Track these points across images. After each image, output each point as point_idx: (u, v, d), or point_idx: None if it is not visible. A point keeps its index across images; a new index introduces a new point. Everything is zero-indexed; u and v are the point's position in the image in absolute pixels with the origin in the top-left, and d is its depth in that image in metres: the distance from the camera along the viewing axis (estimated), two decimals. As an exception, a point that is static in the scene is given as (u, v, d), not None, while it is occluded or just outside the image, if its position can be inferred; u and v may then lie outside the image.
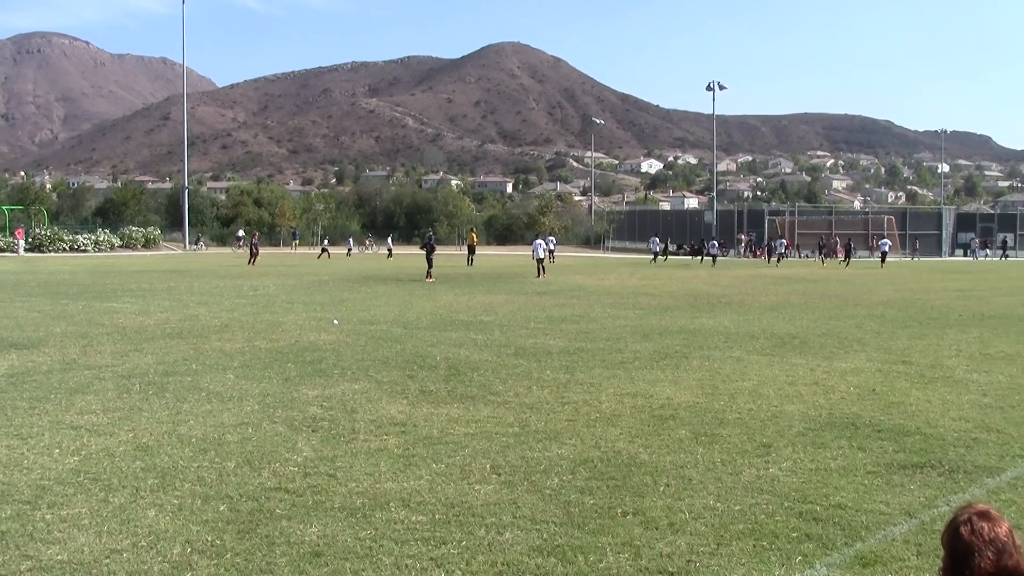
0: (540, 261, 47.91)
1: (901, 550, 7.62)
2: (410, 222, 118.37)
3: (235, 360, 17.75)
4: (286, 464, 10.09)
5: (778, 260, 70.23)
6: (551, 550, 7.51)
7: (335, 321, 24.65)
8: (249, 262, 59.97)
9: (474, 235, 68.47)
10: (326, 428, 11.86)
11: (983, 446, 11.11)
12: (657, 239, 75.54)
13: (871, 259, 76.35)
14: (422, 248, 52.39)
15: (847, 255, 69.48)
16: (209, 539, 7.75)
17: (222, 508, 8.58)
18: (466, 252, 64.73)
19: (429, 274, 44.19)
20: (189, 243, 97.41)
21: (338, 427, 11.91)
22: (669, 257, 77.57)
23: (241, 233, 77.49)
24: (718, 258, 69.08)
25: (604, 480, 9.54)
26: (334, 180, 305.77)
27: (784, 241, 74.62)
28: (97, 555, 7.38)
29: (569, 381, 15.47)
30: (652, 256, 72.27)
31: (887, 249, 69.62)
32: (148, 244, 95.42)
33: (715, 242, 71.21)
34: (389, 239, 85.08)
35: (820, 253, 76.76)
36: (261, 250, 69.19)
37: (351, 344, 20.19)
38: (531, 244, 53.22)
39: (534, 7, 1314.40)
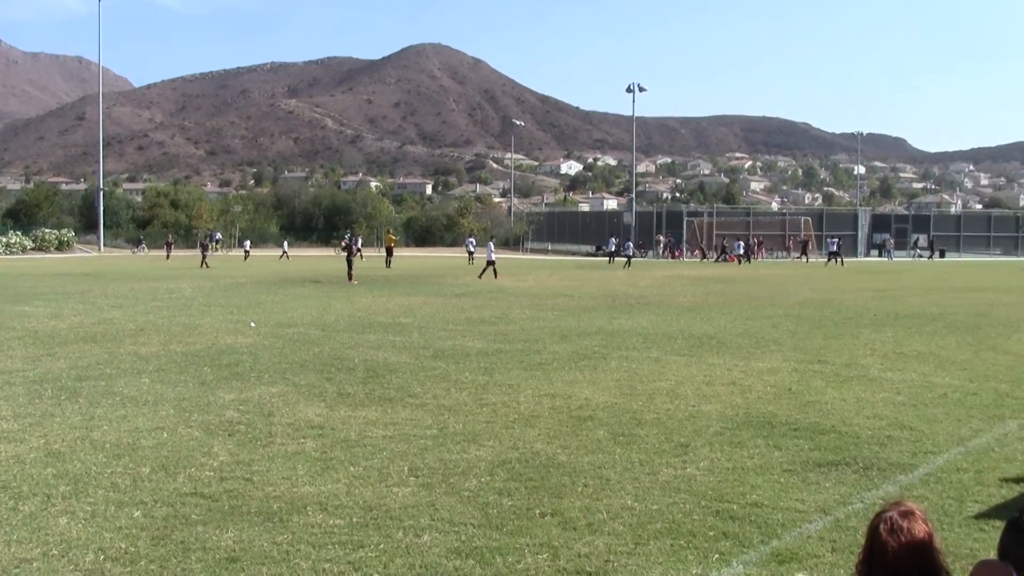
0: (492, 263, 47.87)
1: (816, 547, 7.72)
2: (329, 224, 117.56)
3: (150, 364, 17.52)
4: (202, 469, 9.99)
5: (739, 261, 70.30)
6: (469, 552, 7.51)
7: (252, 324, 24.44)
8: (201, 264, 59.27)
9: (391, 236, 68.27)
10: (242, 432, 11.75)
11: (896, 443, 11.28)
12: (614, 240, 76.02)
13: (787, 260, 76.98)
14: (343, 250, 52.42)
15: (836, 255, 69.16)
16: (123, 546, 7.65)
17: (136, 514, 8.47)
18: (384, 254, 64.53)
19: (350, 276, 43.97)
20: (132, 247, 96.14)
21: (255, 431, 11.81)
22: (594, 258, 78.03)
23: (219, 236, 75.18)
24: (632, 259, 68.97)
25: (522, 481, 9.56)
26: (252, 182, 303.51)
27: (742, 244, 74.72)
28: (6, 564, 7.25)
29: (487, 383, 15.47)
30: (608, 256, 72.89)
31: (835, 249, 69.94)
32: (62, 247, 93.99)
33: (629, 243, 71.49)
34: (359, 240, 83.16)
35: (803, 251, 76.99)
36: (175, 252, 70.79)
37: (268, 347, 20.04)
38: (484, 245, 53.60)
39: (455, 8, 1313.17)
